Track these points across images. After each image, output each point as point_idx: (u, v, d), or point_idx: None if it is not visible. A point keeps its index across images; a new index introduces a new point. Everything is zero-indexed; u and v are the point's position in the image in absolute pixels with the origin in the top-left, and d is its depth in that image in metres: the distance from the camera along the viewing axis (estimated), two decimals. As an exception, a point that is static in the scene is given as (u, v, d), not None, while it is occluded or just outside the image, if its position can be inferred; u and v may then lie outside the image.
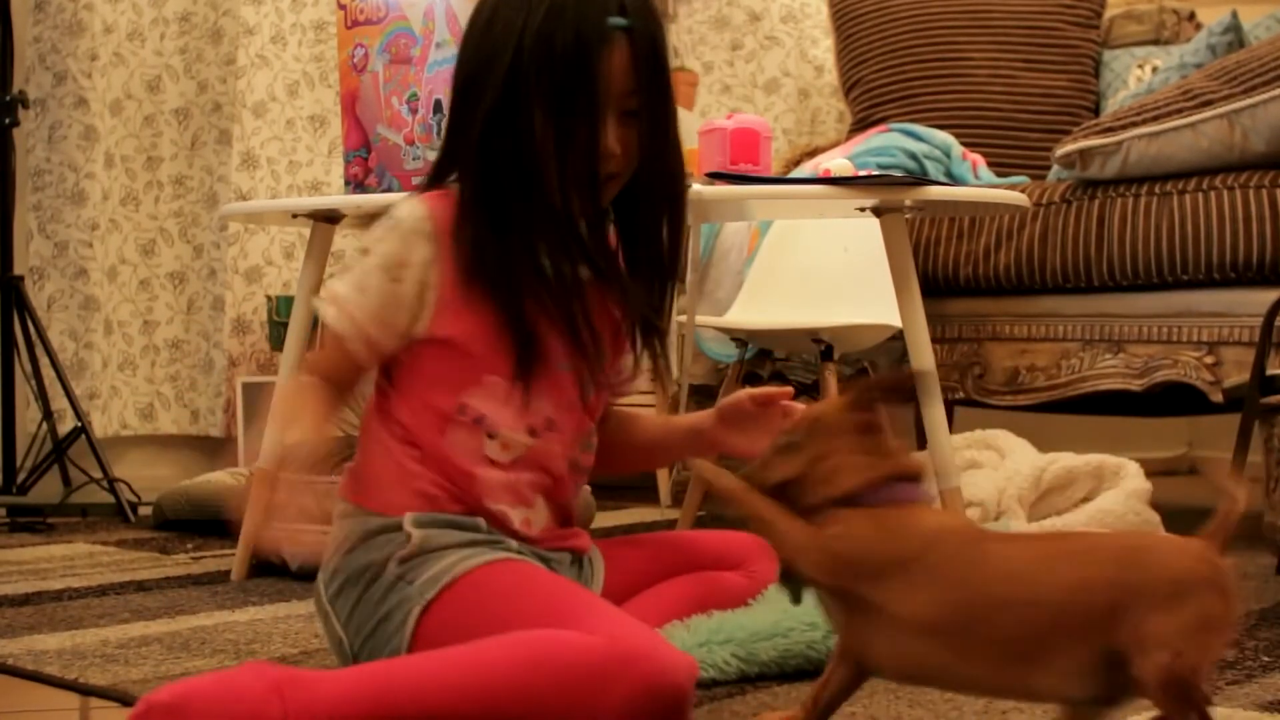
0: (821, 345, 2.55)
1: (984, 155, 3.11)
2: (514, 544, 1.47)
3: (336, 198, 2.43)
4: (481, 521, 1.46)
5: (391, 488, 1.46)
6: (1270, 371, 2.19)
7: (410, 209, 1.46)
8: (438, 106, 2.12)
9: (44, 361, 3.18)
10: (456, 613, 1.37)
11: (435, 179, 1.50)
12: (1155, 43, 3.48)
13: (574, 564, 1.56)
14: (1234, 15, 3.03)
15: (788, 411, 1.62)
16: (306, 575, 2.22)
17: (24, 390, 3.26)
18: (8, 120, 3.16)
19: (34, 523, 2.96)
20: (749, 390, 1.66)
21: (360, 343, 1.46)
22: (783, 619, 1.58)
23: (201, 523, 2.85)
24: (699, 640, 1.55)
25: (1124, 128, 2.62)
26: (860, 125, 3.49)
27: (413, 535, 1.42)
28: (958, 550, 1.19)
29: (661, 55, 1.44)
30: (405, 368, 1.49)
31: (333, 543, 1.48)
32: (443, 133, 1.52)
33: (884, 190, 2.09)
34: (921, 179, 2.51)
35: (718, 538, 1.73)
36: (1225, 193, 2.52)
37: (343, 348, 1.47)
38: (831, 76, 3.92)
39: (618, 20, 1.40)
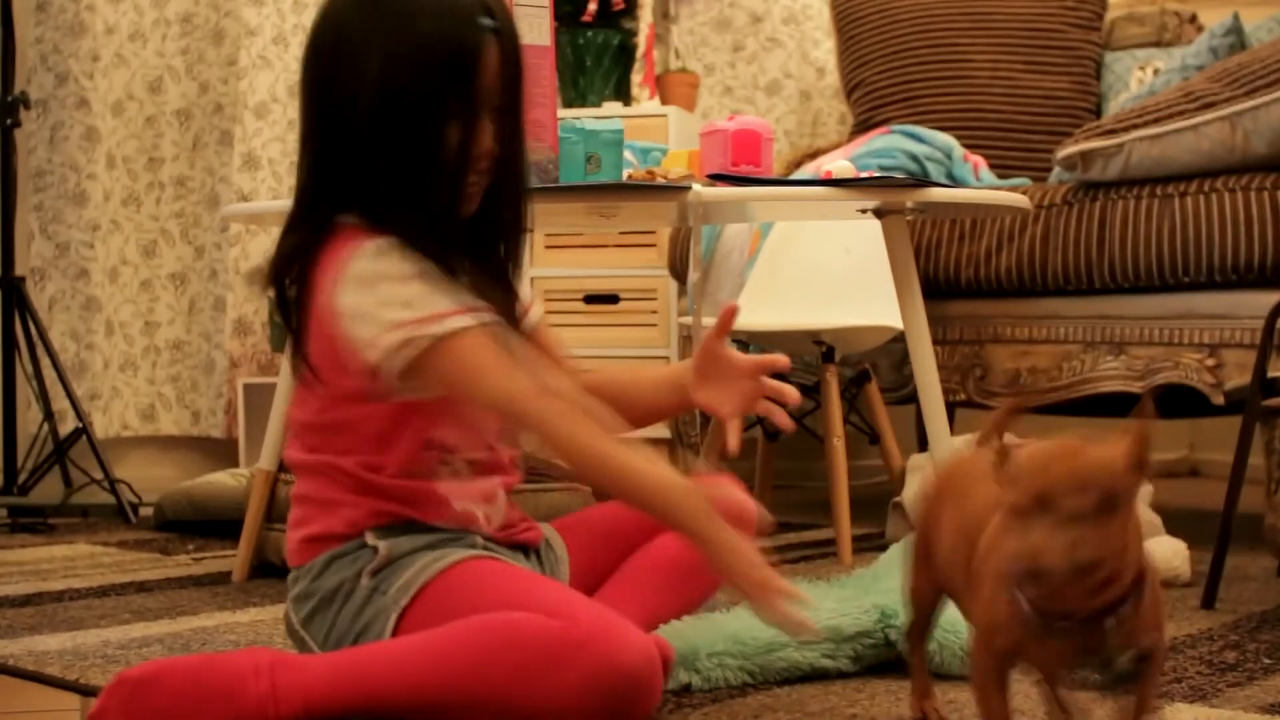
0: (823, 347, 2.56)
1: (985, 157, 3.10)
2: (479, 539, 1.49)
3: (338, 199, 2.43)
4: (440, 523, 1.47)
5: (350, 507, 1.47)
6: (1271, 374, 2.18)
7: (369, 244, 1.41)
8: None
9: (45, 362, 3.18)
10: (431, 614, 1.39)
11: (313, 214, 1.47)
12: (1157, 45, 3.48)
13: (528, 556, 1.57)
14: (1235, 17, 3.03)
15: (762, 379, 1.57)
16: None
17: (25, 391, 3.26)
18: (9, 121, 3.17)
19: (35, 523, 2.96)
20: (727, 353, 1.59)
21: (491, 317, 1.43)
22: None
23: (202, 524, 2.85)
24: (710, 649, 1.54)
25: (1125, 130, 2.62)
26: (862, 127, 3.49)
27: (379, 547, 1.45)
28: None
29: (520, 56, 1.47)
30: (365, 410, 1.45)
31: (292, 578, 1.52)
32: (303, 165, 1.49)
33: (885, 192, 2.09)
34: (923, 181, 2.51)
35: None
36: (1227, 195, 2.52)
37: (496, 340, 1.41)
38: (833, 78, 3.92)
39: (487, 22, 1.42)
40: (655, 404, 1.65)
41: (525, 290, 1.61)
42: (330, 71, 1.44)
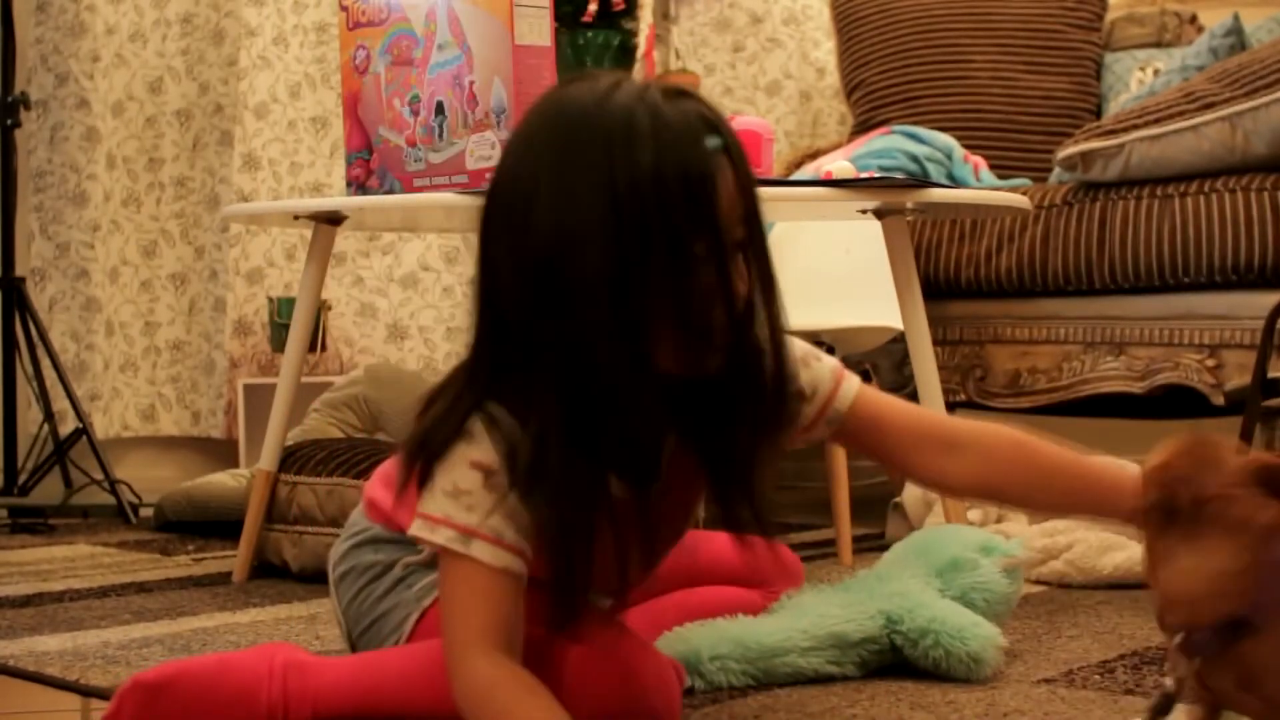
0: (823, 347, 2.55)
1: (985, 157, 3.10)
2: None
3: (338, 199, 2.43)
4: None
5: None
6: (1271, 374, 2.18)
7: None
8: (439, 108, 2.12)
9: (45, 363, 3.18)
10: None
11: (492, 385, 1.22)
12: (1157, 45, 3.48)
13: None
14: (1236, 18, 3.03)
15: None
16: (308, 577, 2.22)
17: (25, 391, 3.26)
18: (9, 121, 3.16)
19: (35, 524, 2.96)
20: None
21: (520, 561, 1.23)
22: (794, 634, 1.57)
23: (203, 524, 2.85)
24: (713, 654, 1.54)
25: (1125, 130, 2.62)
26: (862, 127, 3.49)
27: (425, 549, 1.41)
28: None
29: (754, 177, 1.22)
30: None
31: (349, 524, 1.49)
32: (481, 334, 1.22)
33: (886, 192, 2.09)
34: (923, 181, 2.51)
35: (739, 548, 1.52)
36: (1227, 195, 2.52)
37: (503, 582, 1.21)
38: (833, 79, 3.92)
39: (715, 141, 1.17)
40: (1076, 505, 1.41)
41: (827, 381, 1.39)
42: (536, 231, 1.17)
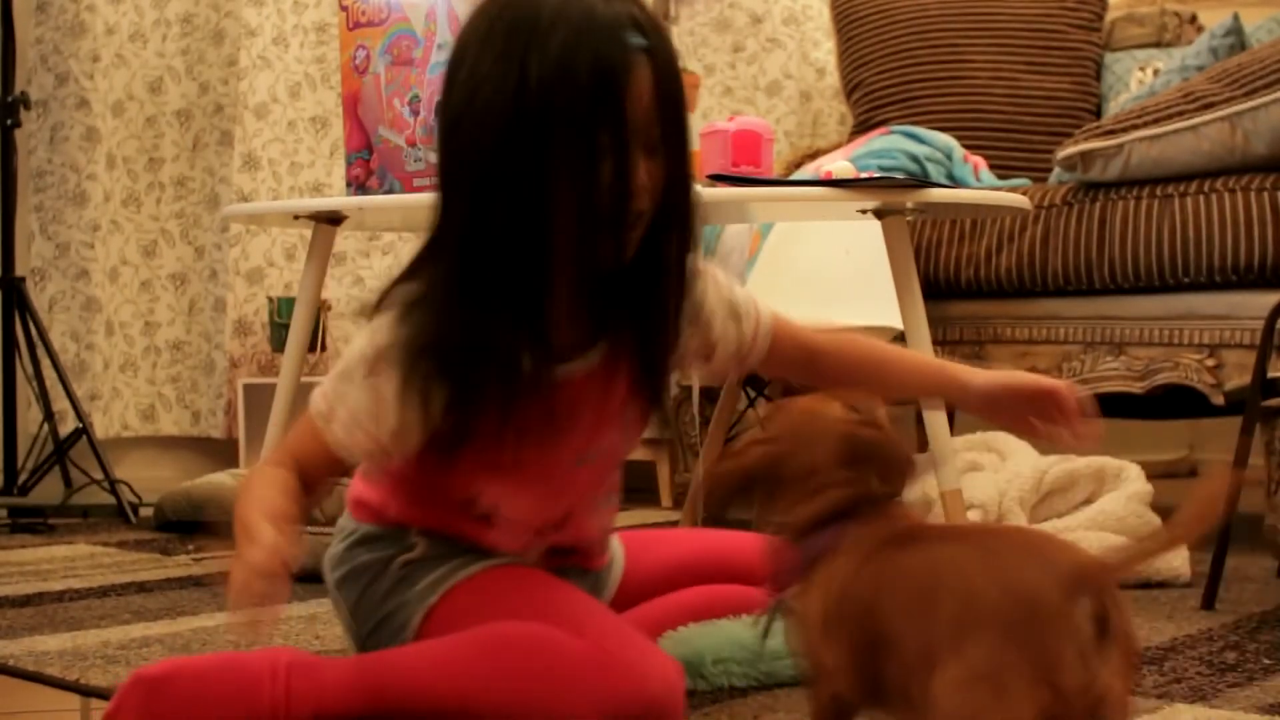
0: (823, 347, 2.55)
1: (985, 157, 3.10)
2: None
3: (338, 199, 2.43)
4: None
5: (405, 506, 1.44)
6: (1271, 374, 2.18)
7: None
8: (439, 108, 2.12)
9: (45, 363, 3.18)
10: (458, 616, 1.37)
11: (419, 264, 1.32)
12: (1157, 45, 3.48)
13: (582, 574, 1.55)
14: (1235, 18, 3.03)
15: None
16: (306, 577, 2.22)
17: (25, 391, 3.26)
18: (9, 121, 3.16)
19: (35, 524, 2.96)
20: (1036, 388, 1.44)
21: (375, 453, 1.31)
22: None
23: (203, 524, 2.85)
24: (716, 657, 1.54)
25: (1125, 130, 2.62)
26: (862, 127, 3.49)
27: (419, 544, 1.43)
28: None
29: (679, 78, 1.27)
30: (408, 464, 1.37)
31: (339, 527, 1.49)
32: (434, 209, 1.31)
33: (886, 192, 2.09)
34: (923, 181, 2.51)
35: (749, 548, 1.60)
36: (1226, 195, 2.52)
37: (326, 444, 1.30)
38: (833, 79, 3.92)
39: (638, 39, 1.22)
40: (913, 389, 1.61)
41: (748, 326, 1.48)
42: (454, 103, 1.26)
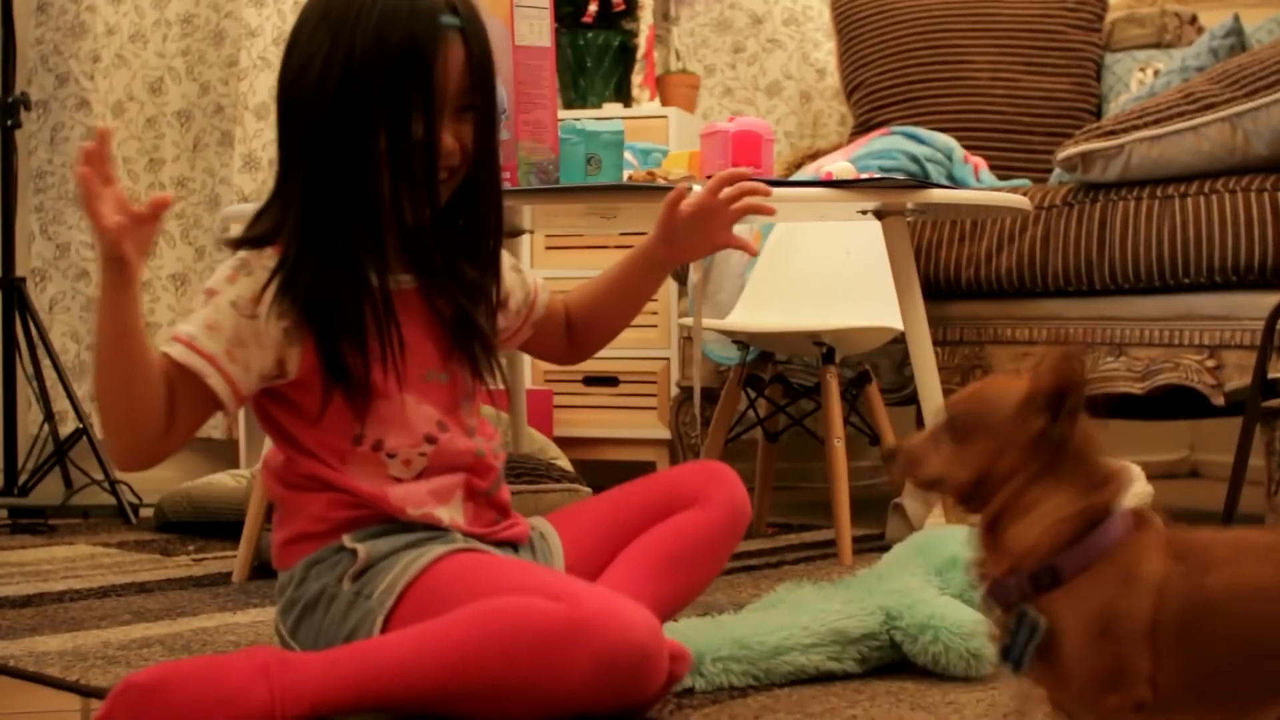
0: (823, 348, 2.56)
1: (986, 158, 3.11)
2: (458, 536, 1.49)
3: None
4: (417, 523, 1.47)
5: (313, 502, 1.48)
6: (1271, 375, 2.19)
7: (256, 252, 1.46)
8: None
9: (46, 363, 3.19)
10: (419, 612, 1.39)
11: (262, 214, 1.50)
12: (1157, 46, 3.48)
13: (517, 551, 1.57)
14: (1236, 18, 3.03)
15: (747, 192, 1.68)
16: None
17: (26, 392, 3.26)
18: (10, 122, 3.17)
19: (35, 524, 2.96)
20: (682, 192, 1.67)
21: (218, 379, 1.41)
22: (795, 631, 1.57)
23: (203, 524, 2.85)
24: (716, 655, 1.54)
25: (1126, 131, 2.62)
26: (862, 128, 3.49)
27: (358, 550, 1.45)
28: None
29: (490, 53, 1.48)
30: (292, 411, 1.47)
31: (279, 588, 1.52)
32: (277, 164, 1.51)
33: (886, 193, 2.09)
34: (923, 182, 2.51)
35: (664, 480, 1.70)
36: (1227, 196, 2.52)
37: (196, 378, 1.41)
38: (833, 79, 3.92)
39: (450, 19, 1.43)
40: (634, 286, 1.74)
41: (530, 278, 1.71)
42: (295, 63, 1.49)
